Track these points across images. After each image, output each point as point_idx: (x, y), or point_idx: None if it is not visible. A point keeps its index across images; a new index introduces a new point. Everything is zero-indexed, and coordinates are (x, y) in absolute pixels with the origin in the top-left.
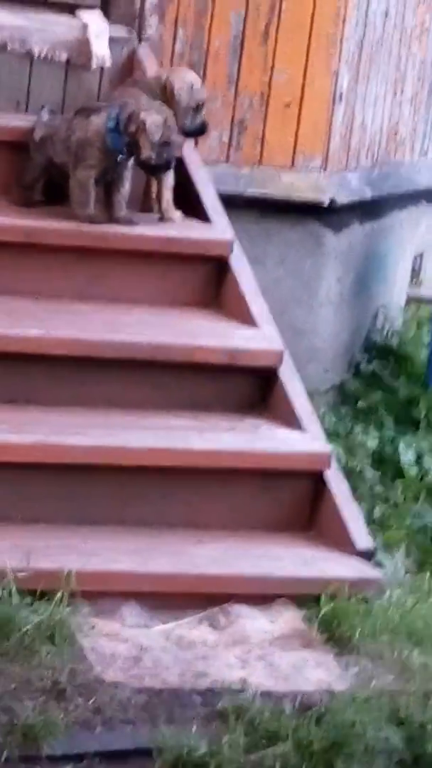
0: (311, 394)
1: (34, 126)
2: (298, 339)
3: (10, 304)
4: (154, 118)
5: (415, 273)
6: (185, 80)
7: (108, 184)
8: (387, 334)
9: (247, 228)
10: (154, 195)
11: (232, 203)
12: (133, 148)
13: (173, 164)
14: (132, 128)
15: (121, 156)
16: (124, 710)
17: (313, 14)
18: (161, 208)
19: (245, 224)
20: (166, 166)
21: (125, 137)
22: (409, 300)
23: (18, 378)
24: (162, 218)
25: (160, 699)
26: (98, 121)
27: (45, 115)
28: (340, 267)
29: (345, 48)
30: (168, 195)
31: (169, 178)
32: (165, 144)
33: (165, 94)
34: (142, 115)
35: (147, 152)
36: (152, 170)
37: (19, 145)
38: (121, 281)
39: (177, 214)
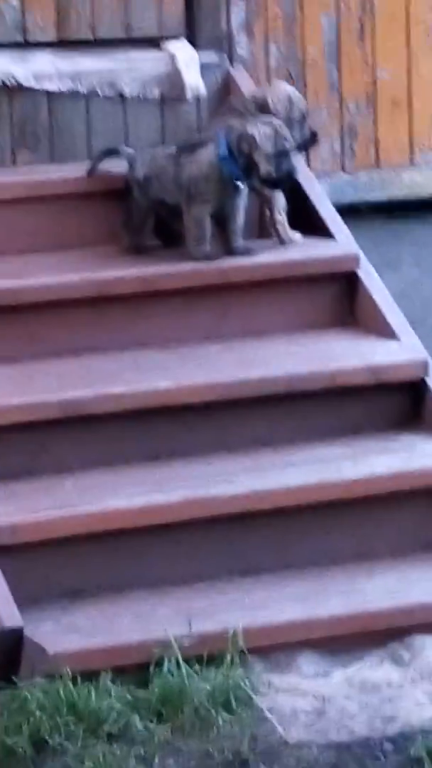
0: None
1: (133, 164)
2: None
3: (137, 357)
4: (262, 129)
5: None
6: (281, 93)
7: (221, 217)
8: None
9: (375, 234)
10: (269, 220)
11: (356, 212)
12: (251, 169)
13: (296, 174)
14: (245, 148)
15: (239, 182)
16: None
17: (407, 4)
18: (278, 233)
19: (372, 231)
20: (288, 178)
21: (240, 160)
22: None
23: (157, 432)
24: (281, 242)
25: (350, 753)
26: (208, 154)
27: (128, 150)
28: None
29: None
30: (281, 217)
31: (281, 200)
32: (282, 155)
33: (264, 112)
34: (250, 131)
35: (265, 167)
36: (275, 185)
37: (122, 192)
38: (249, 314)
39: (296, 235)
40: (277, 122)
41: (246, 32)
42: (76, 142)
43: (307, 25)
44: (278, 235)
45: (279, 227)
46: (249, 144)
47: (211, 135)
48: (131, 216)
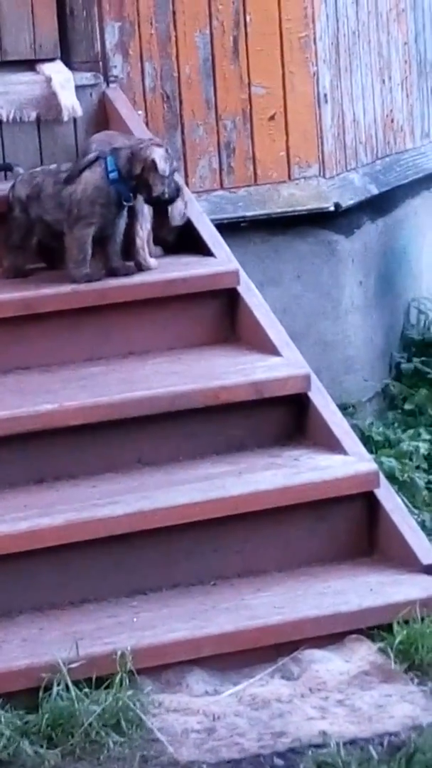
0: (354, 406)
1: (15, 183)
2: (331, 352)
3: (20, 381)
4: (159, 152)
5: None
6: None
7: (102, 238)
8: (423, 327)
9: (255, 250)
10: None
11: (235, 228)
12: (141, 190)
13: (181, 193)
14: (137, 170)
15: (128, 203)
16: None
17: (279, 20)
18: (137, 255)
19: (253, 246)
20: (177, 196)
21: (131, 182)
22: None
23: (41, 456)
24: (138, 265)
25: None
26: (93, 176)
27: (19, 169)
28: (359, 270)
29: (320, 47)
30: (143, 234)
31: (146, 221)
32: (172, 174)
33: None
34: (147, 154)
35: (160, 188)
36: (165, 204)
37: (3, 216)
38: (131, 334)
39: (153, 261)
40: (163, 142)
41: (121, 52)
42: None
43: (182, 43)
44: (136, 258)
45: (139, 250)
46: (143, 166)
47: (95, 157)
48: (12, 235)
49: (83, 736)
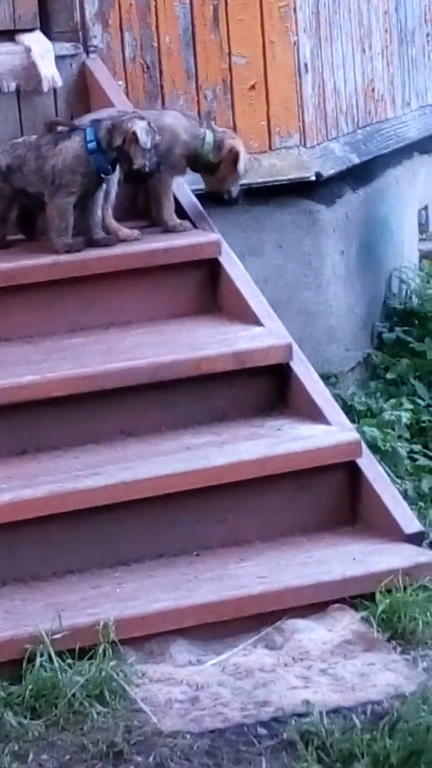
0: (336, 376)
1: None
2: (313, 322)
3: (1, 352)
4: (141, 125)
5: (423, 227)
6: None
7: (82, 209)
8: (405, 296)
9: (237, 220)
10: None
11: (217, 198)
12: (121, 162)
13: (161, 167)
14: (118, 141)
15: (106, 175)
16: (187, 760)
17: None
18: (109, 228)
19: (235, 216)
20: (157, 170)
21: (111, 154)
22: (423, 255)
23: (24, 427)
24: (117, 237)
25: (224, 739)
26: (73, 146)
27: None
28: (340, 240)
29: (300, 16)
30: (110, 212)
31: (111, 195)
32: (153, 148)
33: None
34: (129, 126)
35: (140, 161)
36: (145, 178)
37: None
38: (113, 305)
39: (135, 231)
40: (144, 114)
41: (101, 22)
42: None
43: (162, 13)
44: (109, 231)
45: (109, 222)
46: (124, 138)
47: (75, 127)
48: None
49: (67, 707)
